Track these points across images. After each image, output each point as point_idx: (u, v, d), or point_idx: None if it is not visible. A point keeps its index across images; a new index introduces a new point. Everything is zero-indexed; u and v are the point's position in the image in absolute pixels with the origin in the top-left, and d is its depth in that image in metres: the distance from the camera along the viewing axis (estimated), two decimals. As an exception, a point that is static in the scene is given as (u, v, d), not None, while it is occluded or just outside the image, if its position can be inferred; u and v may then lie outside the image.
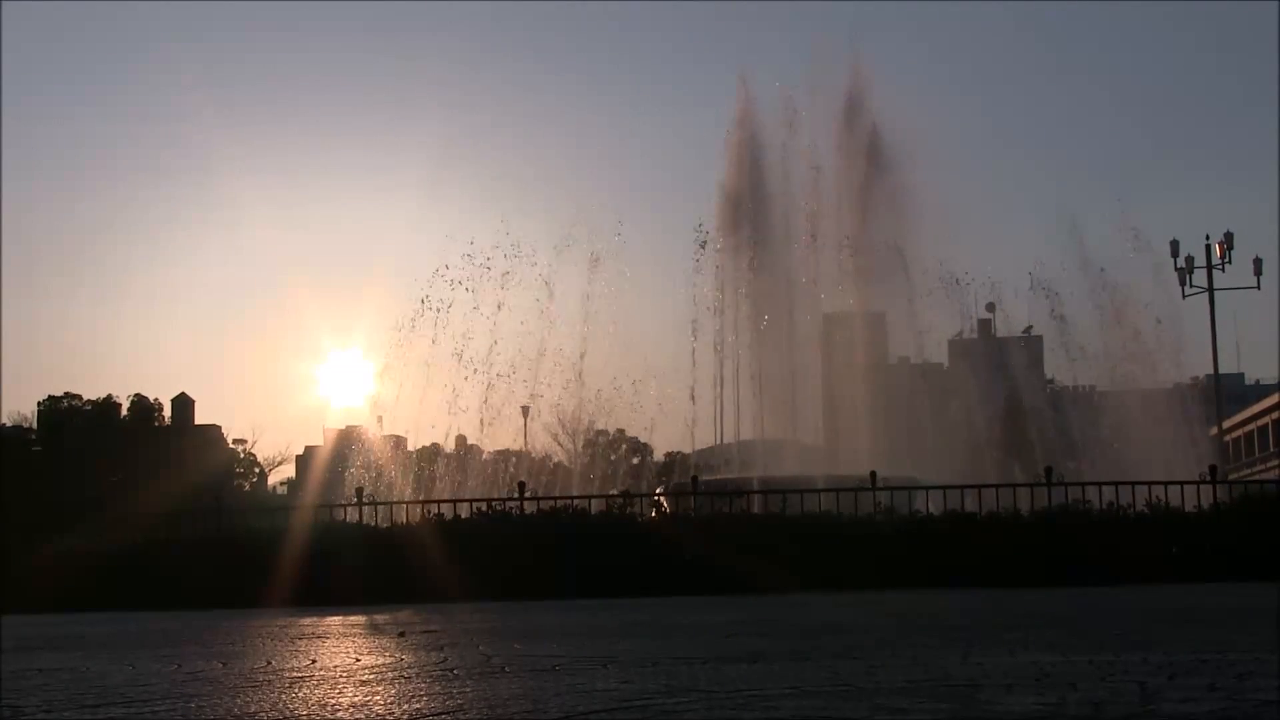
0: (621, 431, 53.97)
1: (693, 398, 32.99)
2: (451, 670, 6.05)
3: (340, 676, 5.90)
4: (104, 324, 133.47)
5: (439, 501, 22.25)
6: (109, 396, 78.51)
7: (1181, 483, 20.04)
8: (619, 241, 33.31)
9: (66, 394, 77.70)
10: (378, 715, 4.45)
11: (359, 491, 22.52)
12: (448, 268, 31.88)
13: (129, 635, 10.73)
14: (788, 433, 34.22)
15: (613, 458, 53.56)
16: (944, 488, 20.11)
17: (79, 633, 11.33)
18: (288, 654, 7.63)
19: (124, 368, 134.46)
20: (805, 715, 4.12)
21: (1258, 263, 44.08)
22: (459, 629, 10.04)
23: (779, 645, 7.42)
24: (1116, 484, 19.71)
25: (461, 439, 38.53)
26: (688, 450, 39.80)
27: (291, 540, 19.21)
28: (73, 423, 74.81)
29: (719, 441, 35.12)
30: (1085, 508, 19.26)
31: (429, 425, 35.25)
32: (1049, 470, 20.75)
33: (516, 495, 21.15)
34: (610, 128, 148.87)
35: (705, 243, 34.12)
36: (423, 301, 31.70)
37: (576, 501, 21.34)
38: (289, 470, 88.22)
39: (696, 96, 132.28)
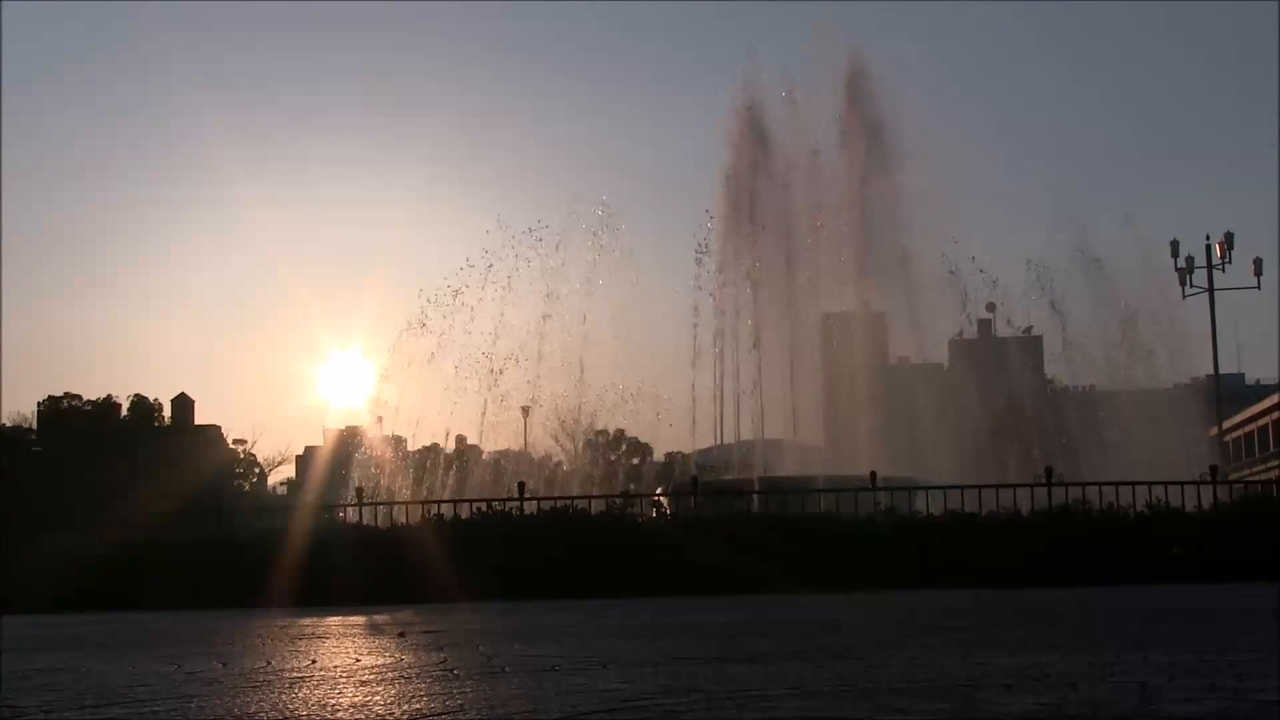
0: (621, 432, 54.00)
1: (692, 398, 33.01)
2: (451, 671, 6.04)
3: (340, 677, 5.90)
4: (104, 324, 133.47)
5: (439, 501, 22.24)
6: (109, 396, 78.53)
7: (1182, 483, 20.03)
8: (619, 240, 33.31)
9: (66, 394, 77.71)
10: (378, 715, 4.45)
11: (359, 492, 22.52)
12: (457, 280, 31.86)
13: (129, 635, 10.73)
14: (788, 433, 34.21)
15: (613, 458, 53.58)
16: (944, 488, 20.10)
17: (79, 633, 11.33)
18: (288, 654, 7.63)
19: (124, 368, 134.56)
20: (805, 715, 4.12)
21: (1258, 263, 44.12)
22: (459, 629, 10.04)
23: (779, 645, 7.41)
24: (1116, 484, 19.70)
25: (461, 439, 38.54)
26: (688, 450, 39.80)
27: (291, 540, 19.22)
28: (73, 423, 74.80)
29: (719, 442, 35.11)
30: (1085, 508, 19.25)
31: (429, 425, 35.18)
32: (1049, 470, 20.73)
33: (516, 495, 21.14)
34: (610, 125, 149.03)
35: (705, 241, 34.15)
36: (424, 309, 31.70)
37: (577, 502, 21.32)
38: (289, 470, 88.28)
39: (697, 93, 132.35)
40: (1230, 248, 43.64)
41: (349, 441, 40.53)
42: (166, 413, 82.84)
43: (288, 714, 4.56)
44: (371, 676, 5.89)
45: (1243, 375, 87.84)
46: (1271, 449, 69.12)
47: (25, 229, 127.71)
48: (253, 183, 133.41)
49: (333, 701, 4.90)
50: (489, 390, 32.11)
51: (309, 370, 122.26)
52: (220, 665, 6.82)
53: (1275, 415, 69.65)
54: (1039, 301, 34.10)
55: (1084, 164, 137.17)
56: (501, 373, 32.12)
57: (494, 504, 20.99)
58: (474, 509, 20.72)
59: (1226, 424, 52.95)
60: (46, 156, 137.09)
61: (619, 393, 33.84)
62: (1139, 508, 19.05)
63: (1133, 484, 19.63)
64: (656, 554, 18.35)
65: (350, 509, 21.51)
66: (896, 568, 17.63)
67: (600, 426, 43.53)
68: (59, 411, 76.66)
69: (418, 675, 5.87)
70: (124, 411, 78.62)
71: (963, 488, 19.94)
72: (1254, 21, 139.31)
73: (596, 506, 20.78)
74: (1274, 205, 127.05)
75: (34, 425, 77.83)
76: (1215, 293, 43.44)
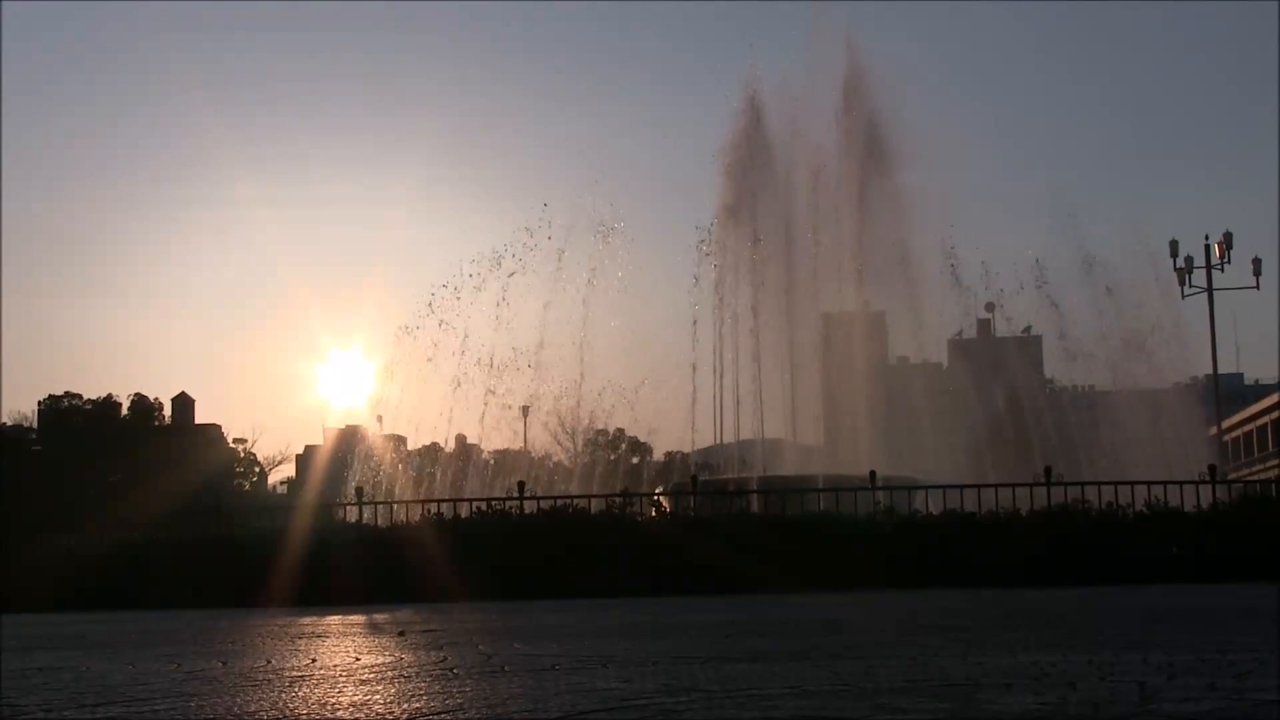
0: (621, 431, 54.01)
1: (693, 397, 33.01)
2: (451, 669, 6.04)
3: (340, 675, 5.90)
4: (104, 324, 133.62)
5: (439, 501, 22.24)
6: (109, 396, 78.52)
7: (1181, 482, 20.03)
8: (620, 239, 33.32)
9: (67, 393, 77.70)
10: (377, 714, 4.45)
11: (359, 491, 22.52)
12: (457, 280, 31.88)
13: (129, 634, 10.73)
14: (787, 432, 34.22)
15: (612, 457, 53.60)
16: (944, 487, 20.09)
17: (79, 632, 11.33)
18: (287, 653, 7.63)
19: (124, 367, 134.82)
20: (805, 715, 4.12)
21: (1257, 263, 44.15)
22: (458, 628, 10.04)
23: (778, 645, 7.42)
24: (1116, 484, 19.71)
25: (461, 438, 38.55)
26: (687, 450, 39.80)
27: (291, 540, 19.22)
28: (73, 422, 74.80)
29: (719, 441, 35.11)
30: (1085, 508, 19.25)
31: (429, 425, 35.18)
32: (1049, 470, 20.73)
33: (516, 495, 21.14)
34: (611, 124, 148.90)
35: (705, 241, 34.17)
36: (428, 305, 31.73)
37: (576, 501, 21.32)
38: (289, 469, 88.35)
39: (698, 93, 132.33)
40: (1229, 248, 43.66)
41: (349, 441, 40.54)
42: (167, 412, 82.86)
43: (287, 713, 4.57)
44: (371, 675, 5.90)
45: (1241, 375, 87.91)
46: (1270, 449, 69.15)
47: (25, 229, 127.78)
48: (253, 183, 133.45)
49: (332, 700, 4.90)
50: (489, 389, 32.14)
51: (309, 370, 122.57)
52: (220, 664, 6.82)
53: (1274, 415, 69.68)
54: (1038, 301, 34.15)
55: (1084, 164, 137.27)
56: (501, 370, 32.17)
57: (493, 503, 20.99)
58: (473, 508, 20.72)
59: (1225, 424, 52.97)
60: (47, 156, 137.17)
61: (619, 392, 33.89)
62: (1138, 507, 19.04)
63: (1132, 483, 19.63)
64: (656, 553, 18.34)
65: (350, 508, 21.52)
66: (896, 568, 17.62)
67: (600, 425, 43.57)
68: (59, 411, 76.67)
69: (417, 674, 5.88)
70: (124, 411, 78.61)
71: (962, 487, 19.94)
72: (1254, 21, 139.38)
73: (596, 506, 20.77)
74: (1273, 205, 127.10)
75: (34, 425, 77.87)
76: (1214, 292, 43.49)
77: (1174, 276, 42.83)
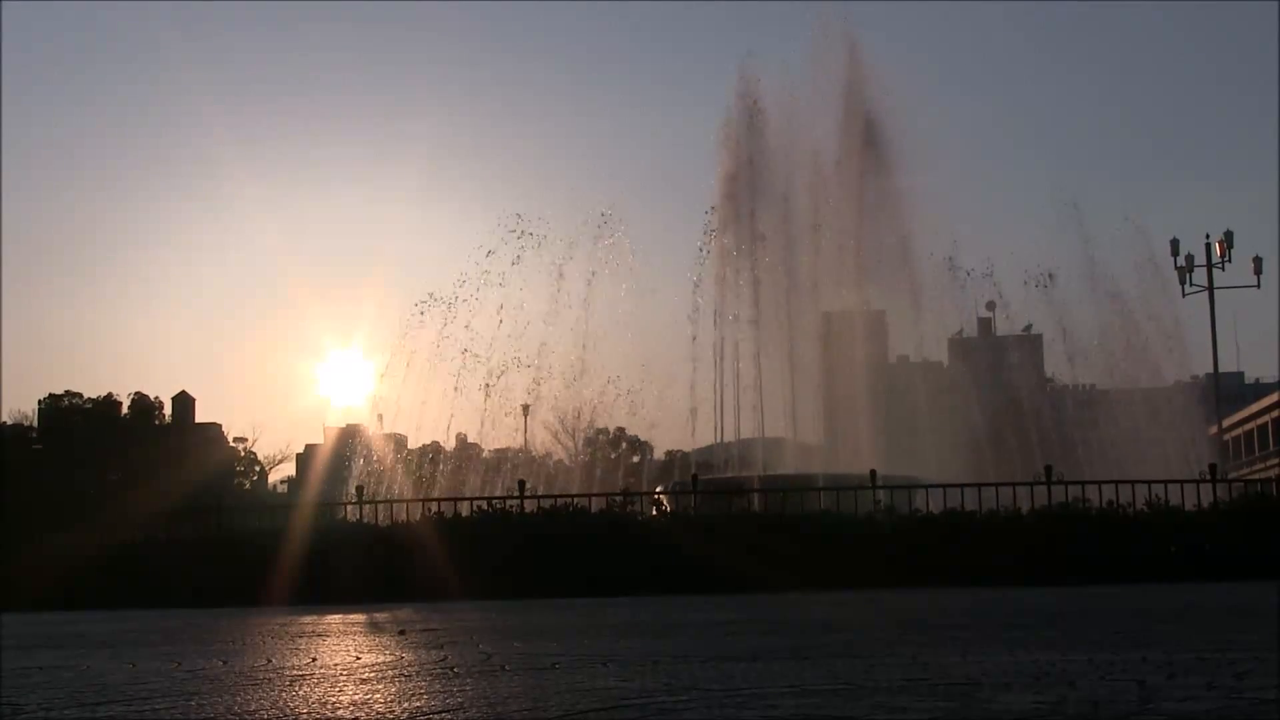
0: (621, 430, 54.00)
1: (692, 396, 33.02)
2: (451, 668, 6.05)
3: (340, 674, 5.90)
4: (104, 323, 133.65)
5: (439, 500, 22.24)
6: (109, 395, 78.46)
7: (1181, 481, 20.03)
8: (620, 238, 33.33)
9: (67, 392, 77.67)
10: (378, 713, 4.46)
11: (359, 490, 22.53)
12: (458, 279, 31.93)
13: (129, 633, 10.74)
14: (788, 431, 34.21)
15: (613, 456, 53.58)
16: (944, 486, 20.08)
17: (79, 631, 11.33)
18: (288, 652, 7.64)
19: (124, 366, 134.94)
20: (805, 713, 4.12)
21: (1258, 262, 44.12)
22: (459, 627, 10.04)
23: (778, 644, 7.42)
24: (1116, 483, 19.69)
25: (461, 437, 38.58)
26: (688, 449, 39.80)
27: (292, 539, 19.22)
28: (73, 421, 74.76)
29: (719, 440, 35.11)
30: (1085, 507, 19.24)
31: (430, 424, 35.23)
32: (1049, 469, 20.73)
33: (517, 494, 21.13)
34: (612, 123, 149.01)
35: (705, 240, 34.17)
36: (425, 302, 31.76)
37: (576, 500, 21.32)
38: (289, 469, 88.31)
39: (699, 92, 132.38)
40: (1230, 246, 43.64)
41: (349, 439, 40.56)
42: (167, 411, 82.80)
43: (288, 712, 4.57)
44: (371, 674, 5.90)
45: (1242, 374, 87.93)
46: (1271, 447, 69.17)
47: (26, 228, 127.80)
48: (253, 183, 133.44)
49: (333, 699, 4.91)
50: (489, 389, 32.15)
51: (309, 369, 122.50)
52: (221, 663, 6.83)
53: (1274, 414, 69.70)
54: (1039, 300, 34.16)
55: (1084, 163, 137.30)
56: (504, 372, 32.20)
57: (494, 502, 20.99)
58: (474, 507, 20.72)
59: (1226, 422, 52.95)
60: (47, 156, 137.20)
61: (619, 390, 33.90)
62: (1138, 506, 19.04)
63: (1132, 482, 19.62)
64: (656, 552, 18.35)
65: (350, 507, 21.52)
66: (896, 567, 17.61)
67: (600, 425, 43.60)
68: (60, 410, 76.62)
69: (418, 673, 5.88)
70: (124, 410, 78.56)
71: (962, 486, 19.93)
72: (1254, 21, 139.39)
73: (596, 505, 20.77)
74: (1274, 205, 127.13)
75: (34, 423, 77.81)
76: (1215, 291, 43.48)
77: (1174, 275, 42.82)
